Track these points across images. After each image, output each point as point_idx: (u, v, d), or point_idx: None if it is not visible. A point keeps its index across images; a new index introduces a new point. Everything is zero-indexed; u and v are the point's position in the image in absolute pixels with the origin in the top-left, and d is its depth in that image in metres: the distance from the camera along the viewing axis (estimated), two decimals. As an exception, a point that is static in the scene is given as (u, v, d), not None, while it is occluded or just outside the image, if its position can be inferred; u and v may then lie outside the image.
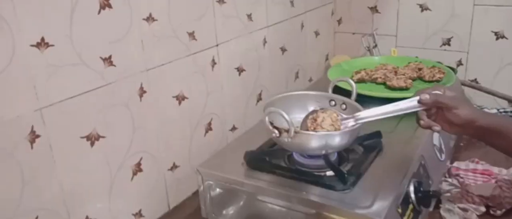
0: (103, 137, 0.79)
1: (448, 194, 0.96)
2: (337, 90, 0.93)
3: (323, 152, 0.79)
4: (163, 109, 0.91)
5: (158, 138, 0.91)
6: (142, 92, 0.85)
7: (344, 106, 0.89)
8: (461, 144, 1.18)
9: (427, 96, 0.71)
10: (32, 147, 0.68)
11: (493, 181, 0.95)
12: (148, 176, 0.90)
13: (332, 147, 0.78)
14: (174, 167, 0.96)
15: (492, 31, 1.30)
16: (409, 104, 0.74)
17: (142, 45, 0.83)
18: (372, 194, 0.72)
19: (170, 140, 0.94)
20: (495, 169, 1.00)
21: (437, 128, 0.72)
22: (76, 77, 0.73)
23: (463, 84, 1.32)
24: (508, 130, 0.71)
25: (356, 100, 0.87)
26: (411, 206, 0.76)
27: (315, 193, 0.75)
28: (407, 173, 0.79)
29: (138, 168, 0.87)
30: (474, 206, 0.90)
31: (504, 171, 0.99)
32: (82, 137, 0.76)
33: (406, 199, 0.76)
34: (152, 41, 0.85)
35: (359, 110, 0.84)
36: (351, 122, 0.79)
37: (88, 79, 0.75)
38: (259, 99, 1.21)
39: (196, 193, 1.01)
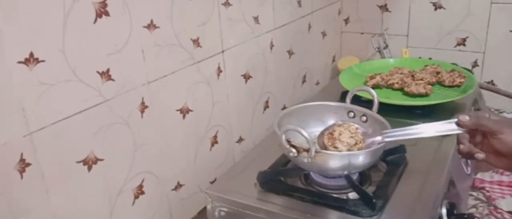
0: (101, 160, 0.71)
1: (474, 209, 0.89)
2: (353, 98, 0.85)
3: (346, 172, 0.72)
4: (166, 124, 0.83)
5: (161, 156, 0.83)
6: (143, 107, 0.77)
7: (364, 118, 0.82)
8: (482, 151, 1.12)
9: (467, 118, 0.62)
10: (22, 177, 0.60)
11: (523, 195, 0.89)
12: (150, 198, 0.82)
13: (355, 167, 0.71)
14: (178, 186, 0.88)
15: (511, 31, 1.23)
16: (447, 126, 0.65)
17: (143, 55, 0.75)
18: (403, 222, 0.65)
19: (174, 157, 0.86)
20: (523, 181, 0.94)
21: (481, 155, 0.61)
22: (70, 95, 0.64)
23: (480, 86, 1.25)
24: None
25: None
26: (445, 233, 0.69)
27: (338, 220, 0.67)
28: (438, 193, 0.72)
29: (140, 191, 0.79)
30: (504, 224, 0.83)
31: (533, 183, 0.93)
32: (78, 162, 0.67)
33: (439, 224, 0.69)
34: (154, 51, 0.77)
35: (382, 122, 0.77)
36: (377, 139, 0.71)
37: (84, 97, 0.66)
38: (266, 107, 1.14)
39: (202, 212, 0.94)
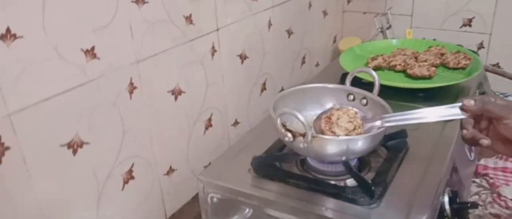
0: (87, 143, 0.67)
1: (477, 197, 0.86)
2: (354, 80, 0.81)
3: (344, 158, 0.68)
4: (157, 106, 0.79)
5: (152, 140, 0.79)
6: (132, 88, 0.73)
7: (364, 101, 0.78)
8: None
9: (472, 102, 0.59)
10: (0, 162, 0.56)
11: (528, 182, 0.86)
12: (141, 183, 0.79)
13: (354, 153, 0.68)
14: (170, 171, 0.85)
15: (520, 11, 1.18)
16: (450, 110, 0.61)
17: (131, 32, 0.71)
18: (403, 210, 0.62)
19: (165, 141, 0.82)
20: (528, 168, 0.90)
21: (486, 141, 0.57)
22: (52, 74, 0.60)
23: (486, 69, 1.20)
24: None
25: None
26: (446, 222, 0.66)
27: (335, 209, 0.64)
28: (441, 180, 0.69)
29: (129, 176, 0.76)
30: (508, 211, 0.80)
31: (538, 170, 0.90)
32: (62, 145, 0.64)
33: (440, 212, 0.66)
34: (143, 28, 0.73)
35: (382, 106, 0.74)
36: (377, 124, 0.67)
37: (67, 75, 0.62)
38: (264, 89, 1.10)
39: (195, 198, 0.90)
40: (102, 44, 0.66)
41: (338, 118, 0.68)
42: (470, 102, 0.59)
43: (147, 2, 0.72)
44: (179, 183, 0.88)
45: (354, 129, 0.68)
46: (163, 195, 0.85)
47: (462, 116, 0.60)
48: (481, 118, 0.61)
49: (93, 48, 0.65)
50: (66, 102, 0.63)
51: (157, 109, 0.79)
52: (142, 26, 0.72)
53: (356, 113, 0.70)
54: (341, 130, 0.67)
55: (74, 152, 0.66)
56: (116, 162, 0.73)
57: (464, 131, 0.59)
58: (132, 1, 0.70)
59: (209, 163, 0.95)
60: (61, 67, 0.61)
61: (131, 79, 0.72)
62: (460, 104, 0.60)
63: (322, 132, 0.67)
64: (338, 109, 0.71)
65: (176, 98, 0.83)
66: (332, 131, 0.67)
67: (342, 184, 0.70)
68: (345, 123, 0.68)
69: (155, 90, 0.78)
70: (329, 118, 0.69)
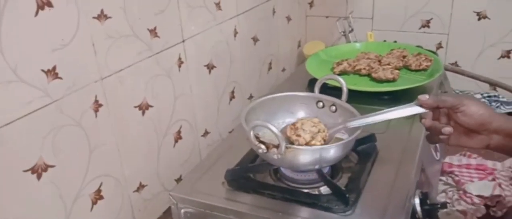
0: (52, 166, 0.64)
1: (444, 194, 0.89)
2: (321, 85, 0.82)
3: (317, 167, 0.68)
4: (124, 122, 0.77)
5: (120, 157, 0.77)
6: (97, 106, 0.71)
7: (333, 108, 0.79)
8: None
9: (427, 96, 0.62)
10: (-43, 193, 0.53)
11: (490, 177, 0.89)
12: (110, 202, 0.76)
13: (327, 161, 0.68)
14: (141, 187, 0.83)
15: (474, 12, 1.23)
16: (409, 108, 0.64)
17: (94, 49, 0.68)
18: (377, 216, 0.63)
19: (134, 157, 0.80)
20: (489, 163, 0.94)
21: (448, 128, 0.61)
22: (12, 98, 0.57)
23: (445, 68, 1.25)
24: None
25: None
26: (418, 224, 0.68)
27: (310, 218, 0.64)
28: (411, 183, 0.70)
29: (98, 196, 0.74)
30: (473, 207, 0.83)
31: (499, 164, 0.94)
32: (26, 171, 0.61)
33: (413, 214, 0.68)
34: (106, 44, 0.70)
35: (351, 112, 0.75)
36: (340, 127, 0.70)
37: (28, 98, 0.59)
38: (232, 97, 1.09)
39: (167, 212, 0.89)
40: (64, 63, 0.63)
41: (302, 124, 0.70)
42: (425, 97, 0.62)
43: (109, 17, 0.70)
44: (150, 198, 0.86)
45: (319, 132, 0.69)
46: (134, 213, 0.83)
47: (419, 110, 0.63)
48: (440, 115, 0.64)
49: (54, 68, 0.62)
50: (28, 126, 0.60)
51: (124, 125, 0.77)
52: (105, 42, 0.70)
53: (319, 121, 0.72)
54: (305, 133, 0.68)
55: (39, 176, 0.63)
56: (83, 183, 0.70)
57: (423, 120, 0.63)
58: (94, 17, 0.67)
59: (180, 176, 0.94)
60: (21, 90, 0.58)
61: (96, 97, 0.70)
62: (416, 101, 0.63)
63: (289, 139, 0.68)
64: (302, 119, 0.72)
65: (143, 113, 0.81)
66: (298, 135, 0.68)
67: (316, 192, 0.70)
68: (309, 127, 0.69)
69: (121, 106, 0.76)
70: (294, 125, 0.71)
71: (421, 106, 0.63)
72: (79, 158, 0.69)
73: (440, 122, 0.64)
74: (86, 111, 0.69)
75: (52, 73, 0.62)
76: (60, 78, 0.63)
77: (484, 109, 0.61)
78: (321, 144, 0.68)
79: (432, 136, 0.64)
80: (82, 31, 0.65)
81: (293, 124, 0.71)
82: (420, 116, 0.64)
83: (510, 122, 0.60)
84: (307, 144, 0.67)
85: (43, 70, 0.61)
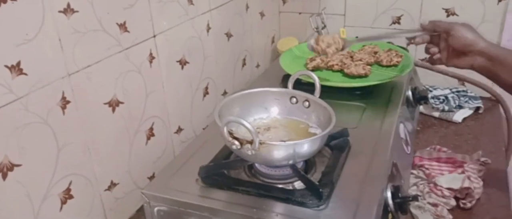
0: (18, 165, 0.62)
1: (415, 187, 0.91)
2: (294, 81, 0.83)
3: (291, 162, 0.68)
4: (93, 120, 0.75)
5: (90, 155, 0.75)
6: (64, 103, 0.68)
7: (307, 104, 0.79)
8: (418, 128, 1.15)
9: (427, 21, 0.81)
10: None
11: (459, 170, 0.92)
12: (80, 202, 0.74)
13: (301, 156, 0.68)
14: (112, 185, 0.81)
15: (443, 8, 1.25)
16: (413, 31, 0.83)
17: (61, 44, 0.66)
18: (351, 209, 0.64)
19: (105, 155, 0.78)
20: (459, 156, 0.97)
21: (434, 48, 0.80)
22: (-28, 94, 0.55)
23: (415, 64, 1.27)
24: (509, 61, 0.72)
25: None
26: (390, 216, 0.69)
27: (285, 213, 0.64)
28: (383, 177, 0.71)
29: (67, 195, 0.72)
30: (444, 200, 0.85)
31: (468, 157, 0.96)
32: (-11, 171, 0.58)
33: (385, 207, 0.68)
34: (73, 38, 0.68)
35: (324, 108, 0.75)
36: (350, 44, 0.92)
37: (-10, 95, 0.57)
38: (206, 93, 1.08)
39: (140, 210, 0.87)
40: (29, 58, 0.61)
41: (323, 39, 0.92)
42: (425, 21, 0.81)
43: (76, 11, 0.67)
44: (122, 197, 0.84)
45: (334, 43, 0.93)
46: (106, 212, 0.81)
47: (419, 33, 0.83)
48: (439, 39, 0.80)
49: (18, 64, 0.60)
50: (-10, 124, 0.57)
51: (94, 123, 0.75)
52: (72, 36, 0.68)
53: (339, 36, 0.94)
54: (323, 43, 0.92)
55: (4, 176, 0.60)
56: (51, 182, 0.68)
57: (417, 39, 0.82)
58: (60, 11, 0.65)
59: (153, 174, 0.92)
60: (-18, 86, 0.56)
61: (63, 94, 0.68)
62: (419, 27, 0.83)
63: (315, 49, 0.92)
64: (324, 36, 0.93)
65: (113, 109, 0.79)
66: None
67: (290, 187, 0.70)
68: (327, 40, 0.93)
69: (90, 103, 0.73)
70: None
71: (423, 29, 0.82)
72: (46, 157, 0.67)
73: (439, 45, 0.81)
74: (53, 108, 0.67)
75: (16, 69, 0.60)
76: (25, 74, 0.61)
77: (471, 33, 0.75)
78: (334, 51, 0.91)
79: (430, 58, 0.85)
80: (47, 25, 0.63)
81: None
82: (414, 40, 0.84)
83: (493, 47, 0.73)
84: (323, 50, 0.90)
85: (6, 66, 0.58)
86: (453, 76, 1.26)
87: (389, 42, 1.23)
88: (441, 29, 0.78)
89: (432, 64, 0.86)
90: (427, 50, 0.84)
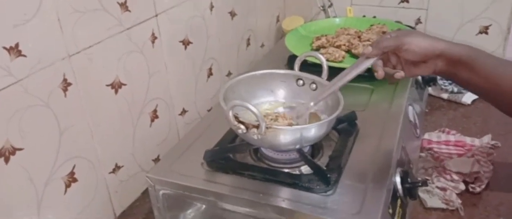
0: (20, 149, 0.61)
1: (423, 171, 0.90)
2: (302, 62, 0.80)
3: (298, 146, 0.67)
4: (95, 102, 0.73)
5: (93, 138, 0.74)
6: (66, 85, 0.67)
7: (313, 86, 0.77)
8: (426, 110, 1.13)
9: (370, 48, 0.66)
10: None
11: (469, 154, 0.90)
12: (85, 184, 0.73)
13: (308, 141, 0.67)
14: (116, 168, 0.80)
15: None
16: (360, 64, 0.68)
17: (60, 24, 0.64)
18: (359, 195, 0.62)
19: (108, 138, 0.77)
20: (468, 139, 0.95)
21: (400, 74, 0.67)
22: (-31, 77, 0.53)
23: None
24: (475, 61, 0.63)
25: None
26: (399, 202, 0.68)
27: (291, 198, 0.63)
28: (392, 161, 0.70)
29: (71, 179, 0.70)
30: (453, 184, 0.84)
31: (477, 141, 0.95)
32: (-9, 155, 0.57)
33: (394, 193, 0.67)
34: (73, 18, 0.66)
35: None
36: (311, 105, 0.72)
37: (-11, 78, 0.55)
38: (210, 74, 1.06)
39: (145, 193, 0.87)
40: (28, 39, 0.59)
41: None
42: (368, 49, 0.67)
43: (76, -11, 0.65)
44: (127, 179, 0.83)
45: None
46: (111, 194, 0.80)
47: (370, 62, 0.67)
48: (389, 56, 0.69)
49: (17, 45, 0.58)
50: (-10, 108, 0.56)
51: (96, 105, 0.73)
52: (72, 16, 0.65)
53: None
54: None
55: (6, 160, 0.59)
56: (55, 166, 0.67)
57: (376, 73, 0.68)
58: (59, -11, 0.63)
59: (158, 156, 0.91)
60: (-20, 69, 0.54)
61: (64, 75, 0.66)
62: (364, 56, 0.68)
63: None
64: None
65: (116, 91, 0.77)
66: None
67: (297, 172, 0.69)
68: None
69: (92, 85, 0.72)
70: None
71: (368, 57, 0.67)
72: (48, 140, 0.66)
73: (390, 61, 0.69)
74: (54, 91, 0.65)
75: (15, 50, 0.58)
76: (24, 55, 0.59)
77: (424, 41, 0.64)
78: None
79: (389, 79, 0.70)
80: (46, 5, 0.61)
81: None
82: (373, 70, 0.69)
83: (452, 49, 0.64)
84: None
85: (5, 48, 0.56)
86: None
87: (397, 22, 1.20)
88: (390, 48, 0.65)
89: (393, 83, 0.75)
90: (391, 76, 0.69)
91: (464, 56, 0.63)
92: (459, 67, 0.64)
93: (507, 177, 0.86)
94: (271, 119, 0.70)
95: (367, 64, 0.67)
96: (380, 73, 0.67)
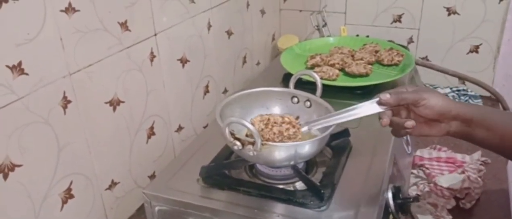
0: (19, 166, 0.62)
1: (415, 187, 0.91)
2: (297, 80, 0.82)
3: (292, 163, 0.68)
4: (94, 119, 0.74)
5: (90, 154, 0.75)
6: (66, 102, 0.68)
7: (308, 104, 0.79)
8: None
9: (388, 95, 0.63)
10: None
11: (459, 170, 0.92)
12: (81, 202, 0.74)
13: (302, 157, 0.68)
14: (113, 184, 0.81)
15: (444, 7, 1.25)
16: (370, 106, 0.65)
17: (62, 43, 0.66)
18: (352, 210, 0.64)
19: (105, 154, 0.78)
20: (459, 156, 0.97)
21: (411, 122, 0.62)
22: (-27, 95, 0.55)
23: (416, 63, 1.27)
24: (488, 119, 0.62)
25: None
26: (391, 217, 0.69)
27: (286, 214, 0.64)
28: (384, 177, 0.71)
29: (68, 195, 0.71)
30: (444, 200, 0.85)
31: (468, 157, 0.96)
32: (-10, 171, 0.58)
33: (385, 208, 0.69)
34: (74, 38, 0.68)
35: (326, 107, 0.75)
36: (304, 129, 0.70)
37: (-9, 95, 0.57)
38: (206, 91, 1.08)
39: (141, 209, 0.87)
40: (30, 58, 0.61)
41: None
42: (386, 96, 0.63)
43: (78, 10, 0.67)
44: (123, 196, 0.84)
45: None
46: (106, 211, 0.81)
47: (382, 109, 0.64)
48: (400, 109, 0.65)
49: (20, 64, 0.59)
50: (-8, 124, 0.57)
51: (95, 122, 0.75)
52: (74, 36, 0.67)
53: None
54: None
55: (5, 176, 0.60)
56: (52, 182, 0.68)
57: (381, 120, 0.64)
58: (61, 10, 0.65)
59: (154, 172, 0.92)
60: (-17, 87, 0.56)
61: (64, 93, 0.68)
62: (377, 99, 0.64)
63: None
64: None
65: (114, 108, 0.79)
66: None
67: (291, 188, 0.70)
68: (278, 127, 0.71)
69: (91, 102, 0.73)
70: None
71: (382, 104, 0.64)
72: (47, 157, 0.67)
73: (400, 116, 0.65)
74: (54, 108, 0.66)
75: (17, 69, 0.59)
76: (26, 74, 0.61)
77: (442, 100, 0.63)
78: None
79: (395, 130, 0.66)
80: (49, 25, 0.63)
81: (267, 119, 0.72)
82: (379, 116, 0.65)
83: (467, 109, 0.63)
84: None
85: (8, 66, 0.58)
86: (454, 75, 1.26)
87: (390, 41, 1.23)
88: (408, 102, 0.63)
89: (397, 136, 0.69)
90: (399, 126, 0.64)
91: (476, 115, 0.62)
92: (473, 127, 0.62)
93: (497, 193, 0.88)
94: (275, 123, 0.70)
95: (378, 109, 0.64)
96: (385, 121, 0.64)
